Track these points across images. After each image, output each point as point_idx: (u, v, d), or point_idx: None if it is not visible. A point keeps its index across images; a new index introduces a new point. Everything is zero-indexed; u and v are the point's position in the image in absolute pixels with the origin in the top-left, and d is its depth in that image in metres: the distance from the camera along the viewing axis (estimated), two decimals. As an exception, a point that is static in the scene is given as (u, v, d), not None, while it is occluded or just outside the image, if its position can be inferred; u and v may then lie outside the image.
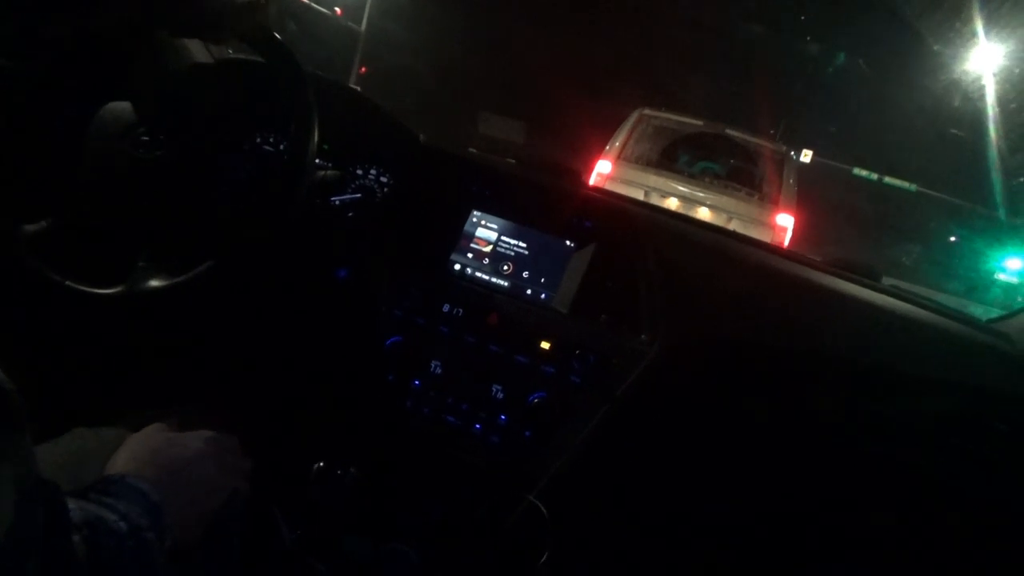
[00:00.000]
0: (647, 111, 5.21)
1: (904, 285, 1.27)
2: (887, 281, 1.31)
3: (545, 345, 1.10)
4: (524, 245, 1.17)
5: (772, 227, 4.45)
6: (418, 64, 10.17)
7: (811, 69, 11.86)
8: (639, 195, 4.27)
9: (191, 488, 0.69)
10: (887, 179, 11.22)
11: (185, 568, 0.69)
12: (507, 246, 1.17)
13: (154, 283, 0.91)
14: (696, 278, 1.16)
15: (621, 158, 4.86)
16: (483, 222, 1.18)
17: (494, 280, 1.16)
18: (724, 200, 4.57)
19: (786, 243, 4.45)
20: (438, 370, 1.12)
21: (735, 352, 1.13)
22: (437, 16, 10.28)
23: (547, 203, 1.22)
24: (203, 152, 1.06)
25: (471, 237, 1.18)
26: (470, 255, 1.17)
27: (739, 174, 5.01)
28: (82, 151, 0.97)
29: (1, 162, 0.93)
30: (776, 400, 1.14)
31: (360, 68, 10.33)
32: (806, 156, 10.68)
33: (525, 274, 1.15)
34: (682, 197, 4.56)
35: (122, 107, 1.01)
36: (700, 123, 5.20)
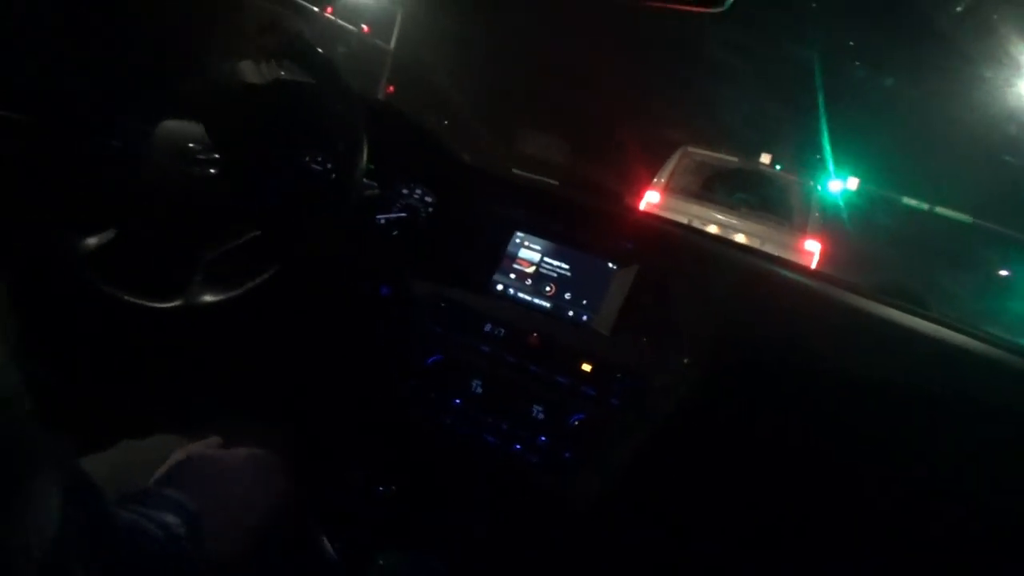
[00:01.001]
0: (691, 148, 5.92)
1: (952, 315, 1.24)
2: (936, 310, 1.28)
3: (586, 367, 1.10)
4: (566, 266, 1.17)
5: (800, 252, 5.07)
6: (445, 81, 10.25)
7: (858, 96, 11.70)
8: (683, 221, 4.66)
9: (232, 502, 0.70)
10: (939, 209, 10.88)
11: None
12: (549, 267, 1.17)
13: (208, 297, 0.93)
14: (739, 302, 1.15)
15: (668, 190, 5.54)
16: (526, 243, 1.19)
17: (536, 301, 1.16)
18: (758, 228, 5.17)
19: (813, 266, 4.94)
20: (478, 389, 1.13)
21: (778, 377, 1.12)
22: (468, 34, 10.35)
23: (589, 224, 1.23)
24: (254, 170, 1.08)
25: (514, 258, 1.19)
26: (512, 275, 1.18)
27: (771, 204, 5.55)
28: (139, 168, 1.00)
29: (61, 178, 0.97)
30: (820, 426, 1.12)
31: (387, 87, 10.44)
32: (852, 184, 10.54)
33: (567, 295, 1.16)
34: (721, 225, 5.16)
35: (177, 125, 1.05)
36: (736, 159, 5.91)
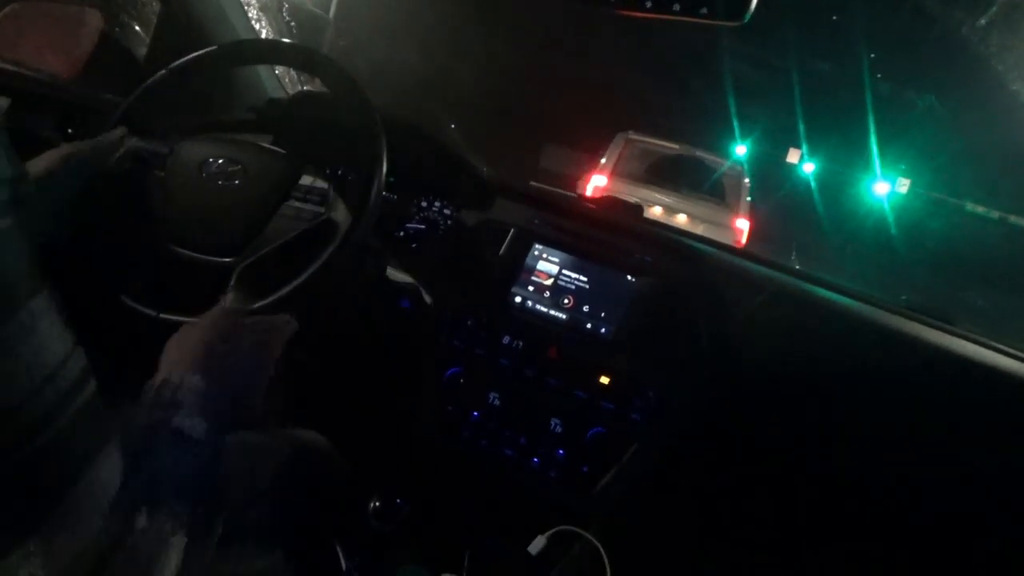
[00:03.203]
0: (633, 136, 6.45)
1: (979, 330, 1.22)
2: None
3: (604, 380, 1.10)
4: (585, 279, 1.17)
5: (733, 229, 5.71)
6: (403, 56, 9.88)
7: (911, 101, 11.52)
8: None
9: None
10: (1012, 219, 10.37)
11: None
12: (568, 280, 1.17)
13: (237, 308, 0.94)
14: (759, 316, 1.14)
15: (615, 174, 6.08)
16: (544, 255, 1.19)
17: (554, 313, 1.16)
18: (697, 208, 5.77)
19: (743, 241, 5.73)
20: (496, 402, 1.13)
21: (800, 392, 1.11)
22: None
23: (608, 237, 1.23)
24: (276, 182, 1.09)
25: (532, 270, 1.19)
26: (531, 288, 1.18)
27: (707, 187, 6.17)
28: (163, 184, 1.01)
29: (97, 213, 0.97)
30: (842, 442, 1.10)
31: None
32: (903, 186, 10.30)
33: (585, 308, 1.15)
34: (664, 206, 5.75)
35: (196, 140, 1.06)
36: (676, 147, 6.45)
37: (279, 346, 0.79)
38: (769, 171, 11.83)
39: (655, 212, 5.61)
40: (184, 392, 0.60)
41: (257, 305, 0.88)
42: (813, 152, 11.98)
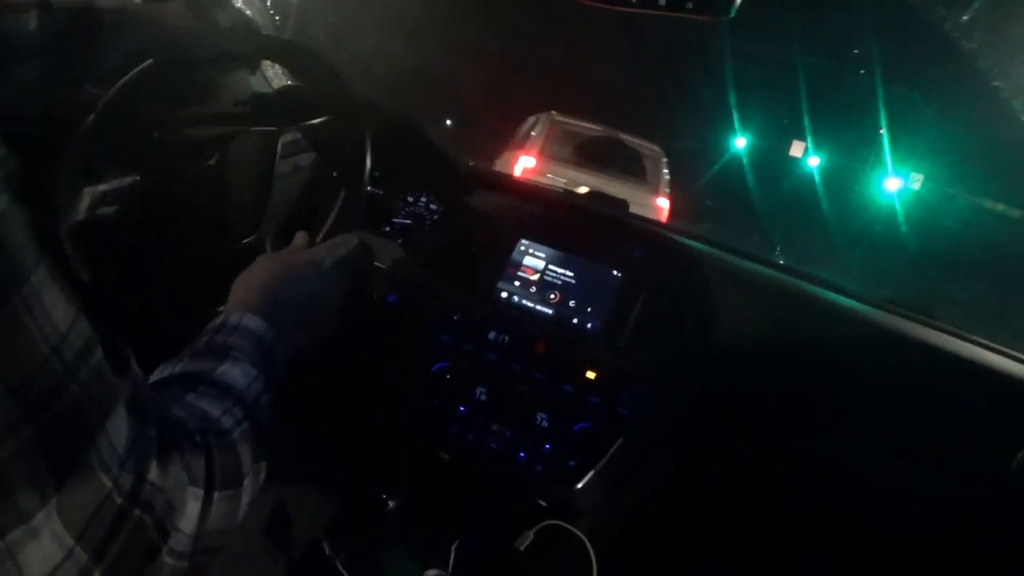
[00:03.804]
0: (557, 117, 6.56)
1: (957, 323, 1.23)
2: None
3: (591, 375, 1.10)
4: (571, 274, 1.17)
5: (655, 208, 6.05)
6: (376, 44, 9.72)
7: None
8: (559, 184, 5.25)
9: (296, 292, 0.76)
10: None
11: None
12: (554, 275, 1.17)
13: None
14: (746, 311, 1.15)
15: (542, 155, 6.13)
16: (531, 250, 1.19)
17: (540, 308, 1.16)
18: (621, 188, 5.73)
19: (664, 218, 5.99)
20: (483, 397, 1.12)
21: (787, 386, 1.12)
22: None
23: (595, 232, 1.23)
24: (261, 177, 1.08)
25: (519, 265, 1.18)
26: (517, 283, 1.18)
27: (630, 168, 6.40)
28: (150, 178, 1.00)
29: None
30: (827, 434, 1.11)
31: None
32: (916, 182, 10.12)
33: (572, 303, 1.15)
34: (590, 186, 5.52)
35: (179, 134, 1.04)
36: (600, 128, 6.60)
37: (345, 270, 0.82)
38: (767, 165, 11.79)
39: (581, 191, 5.71)
40: (238, 336, 0.62)
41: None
42: (819, 145, 11.68)
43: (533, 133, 6.42)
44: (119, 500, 0.40)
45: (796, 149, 11.57)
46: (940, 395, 1.07)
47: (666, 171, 6.47)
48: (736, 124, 11.73)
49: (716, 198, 11.38)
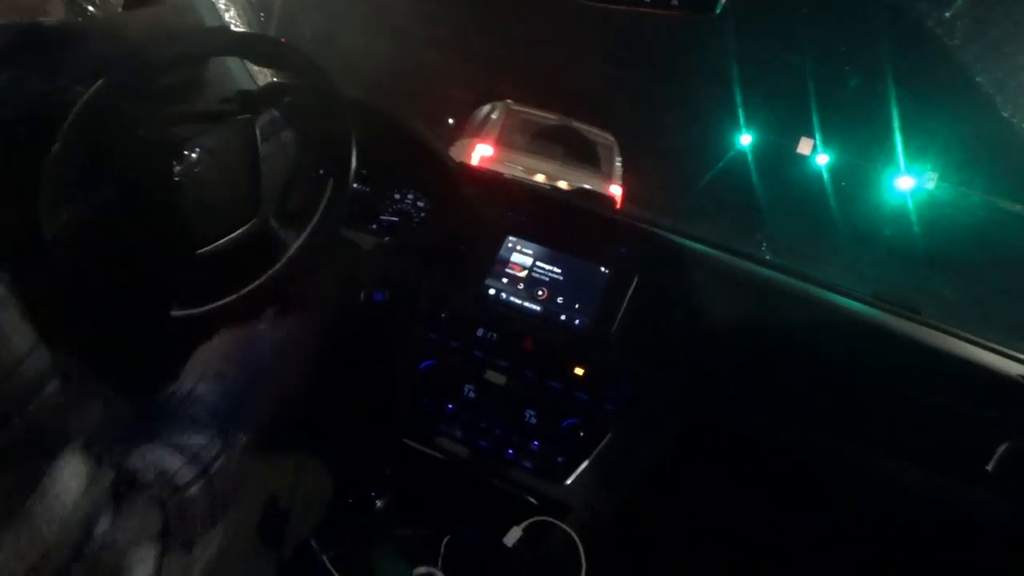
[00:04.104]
0: (513, 106, 6.60)
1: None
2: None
3: (579, 371, 1.10)
4: (559, 271, 1.17)
5: (608, 195, 5.85)
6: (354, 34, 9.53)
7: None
8: (516, 172, 5.43)
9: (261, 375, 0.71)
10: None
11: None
12: (542, 271, 1.17)
13: (202, 305, 0.92)
14: (733, 309, 1.16)
15: (499, 144, 6.16)
16: (518, 247, 1.19)
17: (528, 305, 1.16)
18: (576, 175, 6.06)
19: (618, 205, 5.61)
20: (471, 394, 1.13)
21: (773, 380, 1.12)
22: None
23: (582, 229, 1.23)
24: (248, 162, 1.07)
25: (506, 262, 1.19)
26: (505, 280, 1.18)
27: (584, 156, 6.49)
28: (133, 176, 0.99)
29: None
30: (815, 429, 1.12)
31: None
32: (931, 181, 9.83)
33: (560, 300, 1.16)
34: (547, 174, 5.96)
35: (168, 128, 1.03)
36: (555, 117, 6.62)
37: (299, 351, 0.79)
38: (773, 163, 11.32)
39: (538, 179, 5.93)
40: (191, 404, 0.60)
41: (221, 303, 0.87)
42: (828, 143, 11.07)
43: (491, 119, 6.51)
44: (64, 553, 0.37)
45: (804, 146, 10.98)
46: (922, 390, 1.09)
47: (619, 159, 6.65)
48: (741, 121, 11.42)
49: (714, 197, 11.18)
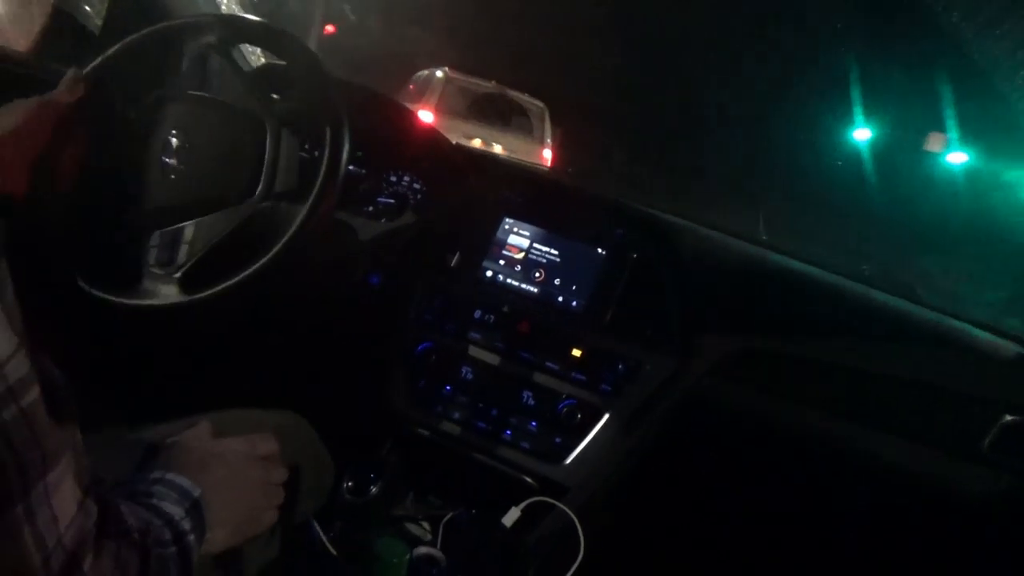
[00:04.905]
0: (451, 74, 7.01)
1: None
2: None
3: (576, 352, 1.11)
4: (556, 252, 1.17)
5: (541, 157, 6.73)
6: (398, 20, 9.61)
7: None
8: (455, 139, 5.48)
9: (228, 489, 0.69)
10: None
11: (223, 566, 0.70)
12: (539, 253, 1.17)
13: (199, 290, 0.91)
14: (729, 287, 1.16)
15: (439, 111, 6.61)
16: (515, 229, 1.19)
17: (525, 287, 1.16)
18: (510, 140, 6.69)
19: (548, 166, 6.69)
20: (468, 376, 1.13)
21: (769, 361, 1.13)
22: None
23: (579, 211, 1.22)
24: (237, 159, 1.06)
25: (503, 244, 1.18)
26: (502, 262, 1.17)
27: (518, 122, 7.08)
28: (116, 162, 0.97)
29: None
30: (812, 410, 1.13)
31: (324, 27, 9.16)
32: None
33: (556, 281, 1.15)
34: (483, 139, 6.50)
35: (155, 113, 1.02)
36: (491, 84, 7.12)
37: (272, 470, 0.76)
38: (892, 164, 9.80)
39: (475, 143, 6.25)
40: (167, 486, 0.58)
41: (216, 289, 0.87)
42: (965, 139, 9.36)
43: (431, 86, 6.88)
44: None
45: (935, 143, 9.40)
46: (917, 368, 1.09)
47: (548, 124, 7.21)
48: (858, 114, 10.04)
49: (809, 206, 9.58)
